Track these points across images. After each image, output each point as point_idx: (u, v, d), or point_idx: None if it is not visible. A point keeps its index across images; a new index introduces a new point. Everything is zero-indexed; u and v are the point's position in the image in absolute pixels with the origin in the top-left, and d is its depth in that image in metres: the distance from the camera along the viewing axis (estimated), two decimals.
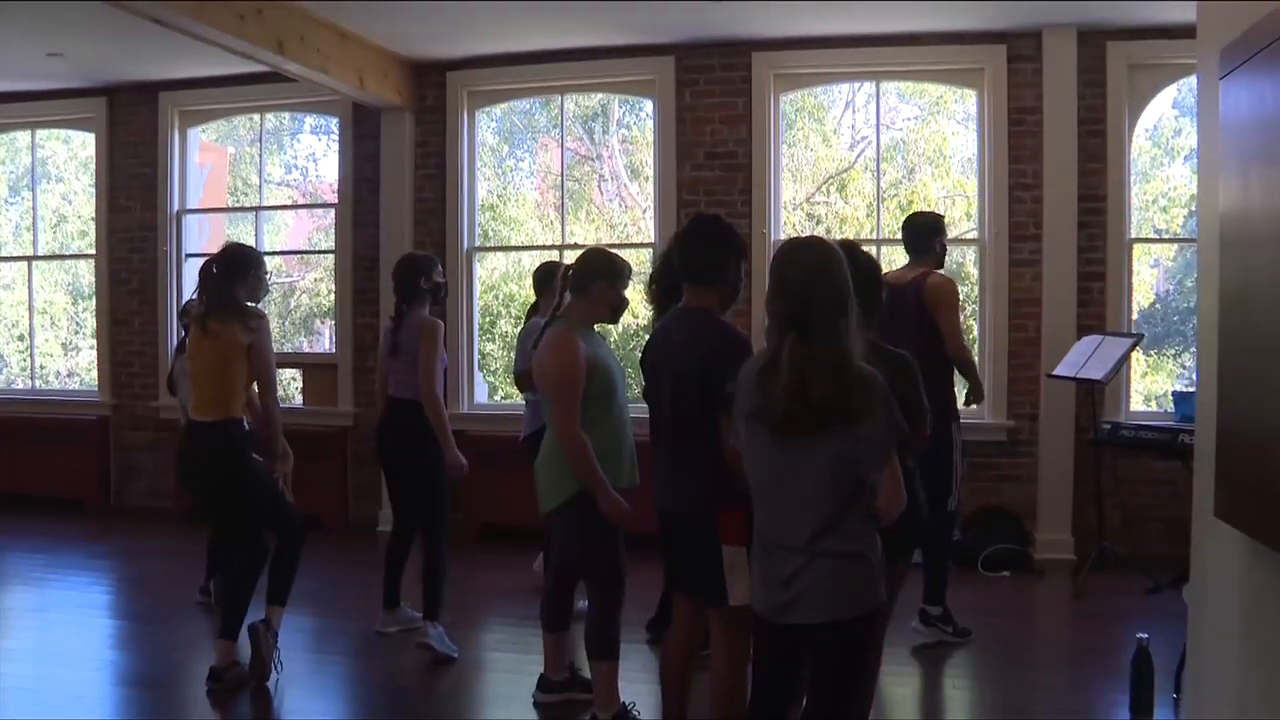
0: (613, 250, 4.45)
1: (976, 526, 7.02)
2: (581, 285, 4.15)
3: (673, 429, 3.60)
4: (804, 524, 2.80)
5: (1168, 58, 7.02)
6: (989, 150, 7.32)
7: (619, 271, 4.20)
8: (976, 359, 7.82)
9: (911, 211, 5.80)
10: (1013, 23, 7.06)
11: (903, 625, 5.48)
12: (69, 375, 12.97)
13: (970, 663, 5.26)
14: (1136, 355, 7.75)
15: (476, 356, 8.38)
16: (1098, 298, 7.15)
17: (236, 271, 4.82)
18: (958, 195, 11.03)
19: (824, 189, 11.94)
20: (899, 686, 5.04)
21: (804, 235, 3.14)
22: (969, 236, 8.64)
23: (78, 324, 13.02)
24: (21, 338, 11.37)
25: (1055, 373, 6.67)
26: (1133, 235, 7.40)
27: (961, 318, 5.45)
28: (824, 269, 2.83)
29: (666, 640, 3.97)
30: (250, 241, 9.02)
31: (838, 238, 4.14)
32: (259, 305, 4.97)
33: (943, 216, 5.88)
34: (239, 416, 4.79)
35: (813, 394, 2.72)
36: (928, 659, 5.28)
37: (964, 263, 10.24)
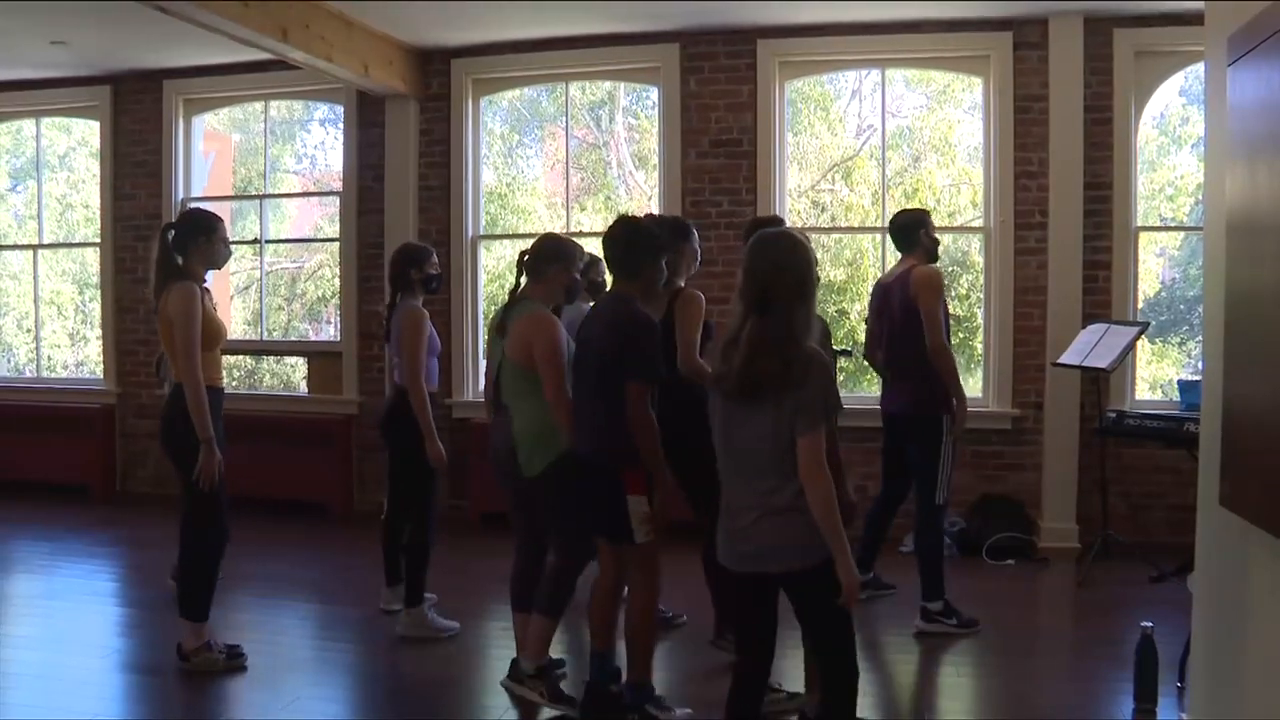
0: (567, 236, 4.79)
1: (981, 515, 7.03)
2: (538, 269, 4.47)
3: (594, 393, 4.08)
4: (754, 483, 3.14)
5: (1175, 45, 6.99)
6: (995, 138, 7.30)
7: (570, 255, 4.57)
8: (981, 347, 7.84)
9: (897, 211, 5.89)
10: (1019, 10, 7.04)
11: (906, 612, 5.50)
12: (78, 365, 12.99)
13: (974, 651, 5.26)
14: (1142, 344, 7.72)
15: (481, 344, 8.37)
16: (1103, 286, 7.14)
17: (190, 237, 4.71)
18: (963, 183, 10.99)
19: (829, 177, 11.90)
20: (902, 675, 5.06)
21: (773, 229, 3.40)
22: (974, 225, 8.62)
23: (85, 313, 13.03)
24: (29, 329, 11.39)
25: (1060, 361, 6.66)
26: (1139, 224, 7.38)
27: (943, 312, 5.39)
28: (787, 260, 3.15)
29: (594, 583, 4.41)
30: (255, 230, 9.03)
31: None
32: (218, 270, 4.95)
33: (927, 211, 5.92)
34: (215, 385, 4.72)
35: (760, 366, 3.06)
36: (930, 647, 5.28)
37: (969, 251, 10.22)
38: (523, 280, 4.52)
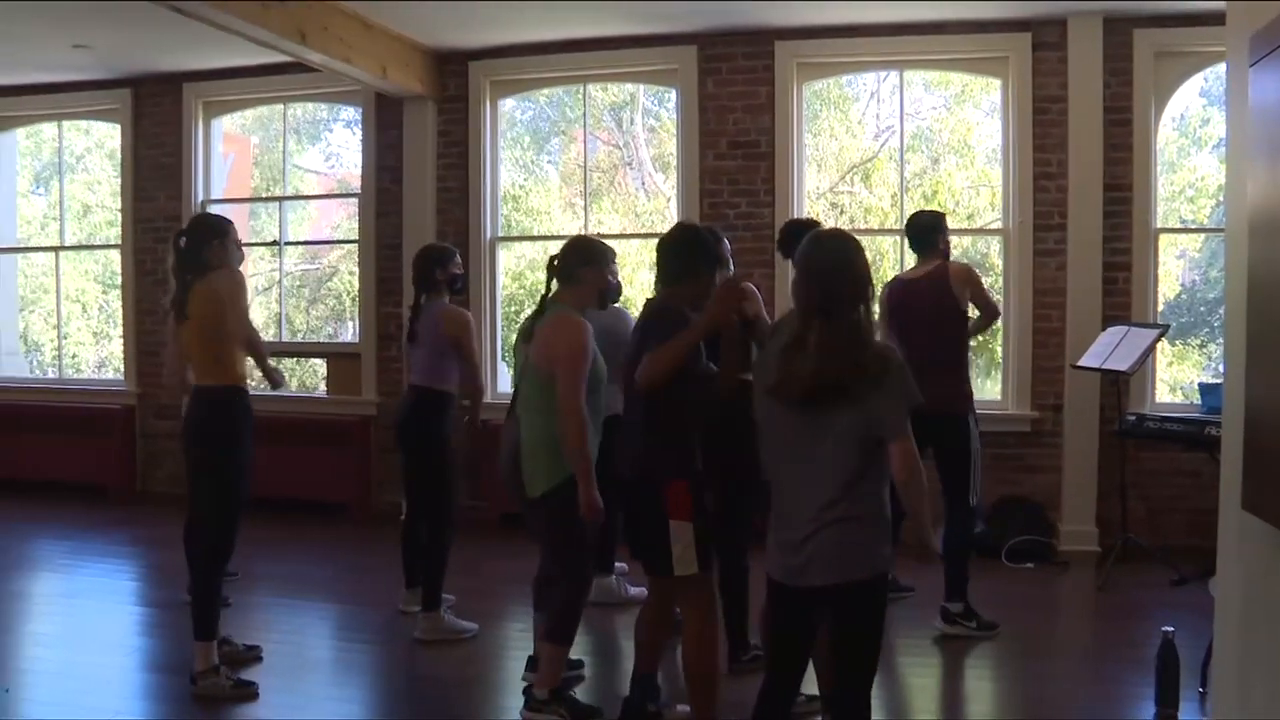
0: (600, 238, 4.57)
1: (1000, 518, 6.99)
2: (570, 273, 4.25)
3: (635, 406, 3.94)
4: (817, 492, 3.01)
5: (1196, 45, 6.96)
6: (1013, 139, 7.27)
7: (604, 256, 4.36)
8: (1001, 349, 7.86)
9: (914, 212, 5.89)
10: (1038, 11, 7.01)
11: (924, 615, 5.48)
12: (101, 365, 13.09)
13: (993, 655, 5.24)
14: (1162, 346, 7.69)
15: (500, 345, 8.39)
16: (1123, 288, 7.10)
17: (203, 241, 4.70)
18: (982, 185, 10.97)
19: (848, 178, 11.89)
20: (920, 678, 5.04)
21: (827, 229, 3.36)
22: (993, 227, 8.60)
23: (108, 313, 13.13)
24: (55, 327, 11.48)
25: (1080, 363, 6.63)
26: (1159, 225, 7.35)
27: None
28: (846, 259, 3.06)
29: (641, 608, 4.29)
30: (274, 231, 9.07)
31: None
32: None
33: (943, 214, 5.92)
34: (234, 384, 4.70)
35: (833, 371, 2.95)
36: (950, 650, 5.26)
37: (988, 253, 10.19)
38: (553, 286, 4.33)
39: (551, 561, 4.40)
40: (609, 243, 4.69)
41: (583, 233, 8.17)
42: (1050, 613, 6.22)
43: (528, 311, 5.09)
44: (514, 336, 5.22)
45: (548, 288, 4.35)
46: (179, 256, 4.73)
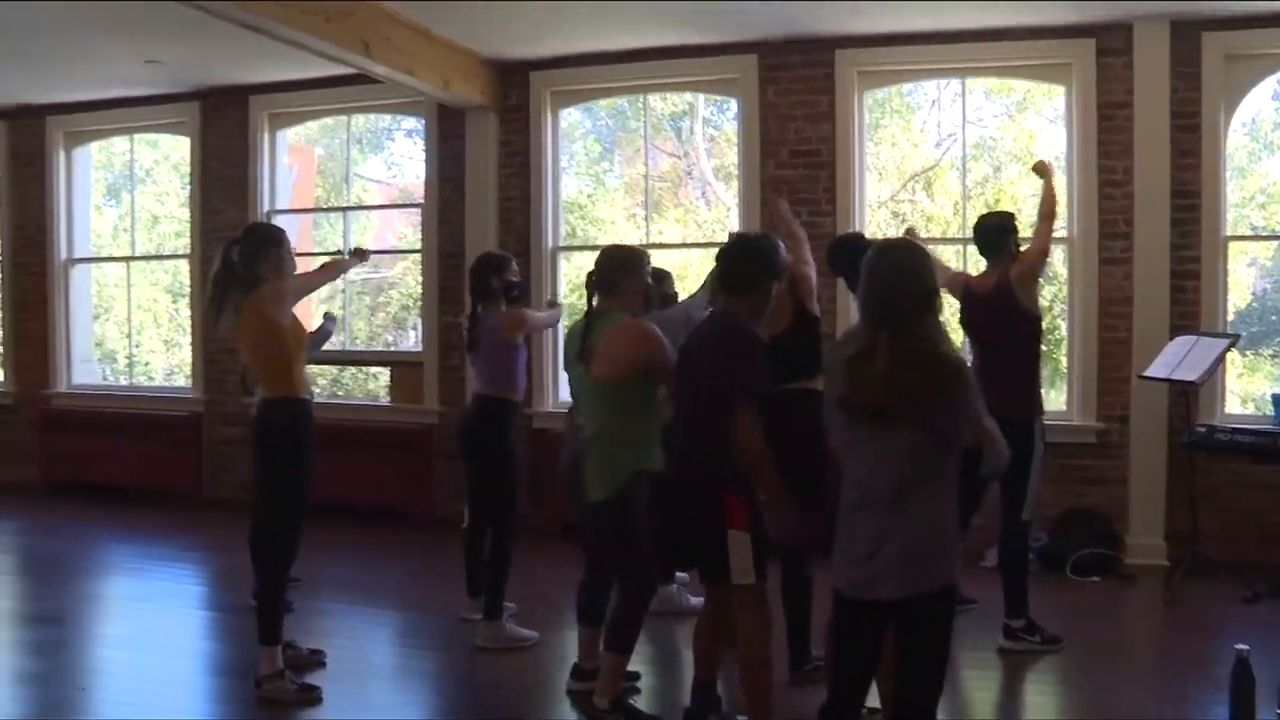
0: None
1: (1064, 529, 6.88)
2: (611, 283, 4.32)
3: (696, 416, 3.94)
4: (884, 504, 2.99)
5: (1267, 48, 6.82)
6: (1077, 147, 7.17)
7: (640, 261, 4.43)
8: (1065, 359, 7.72)
9: (981, 214, 5.78)
10: (1102, 15, 6.90)
11: (987, 627, 5.40)
12: (171, 372, 13.37)
13: (1056, 668, 5.15)
14: (1232, 356, 7.53)
15: (562, 354, 8.42)
16: (1191, 297, 6.96)
17: (260, 248, 4.72)
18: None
19: (909, 187, 11.81)
20: (981, 689, 4.97)
21: (893, 237, 3.35)
22: (1058, 235, 8.46)
23: (178, 322, 13.41)
24: (128, 335, 11.77)
25: (1147, 374, 6.51)
26: (1228, 232, 7.21)
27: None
28: (910, 269, 3.06)
29: (699, 616, 4.31)
30: (338, 241, 9.18)
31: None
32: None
33: (1013, 215, 5.76)
34: (296, 395, 4.74)
35: (904, 382, 2.92)
36: (1012, 663, 5.18)
37: (1052, 262, 10.04)
38: (594, 301, 4.39)
39: (610, 569, 4.42)
40: (670, 253, 4.69)
41: (623, 243, 8.15)
42: (1117, 627, 6.09)
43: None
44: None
45: (589, 303, 4.40)
46: (227, 265, 4.72)
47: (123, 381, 11.93)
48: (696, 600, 5.53)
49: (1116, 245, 7.07)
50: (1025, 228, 10.28)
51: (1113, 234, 7.09)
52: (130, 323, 10.97)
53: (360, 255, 5.60)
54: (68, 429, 9.46)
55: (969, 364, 3.13)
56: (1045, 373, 5.76)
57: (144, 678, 5.00)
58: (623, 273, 4.34)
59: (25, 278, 9.95)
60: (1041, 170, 5.69)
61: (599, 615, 4.62)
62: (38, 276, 9.88)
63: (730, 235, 4.99)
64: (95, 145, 10.52)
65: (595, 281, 4.39)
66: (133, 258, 10.92)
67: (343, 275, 5.13)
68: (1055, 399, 7.90)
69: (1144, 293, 6.95)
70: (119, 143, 10.68)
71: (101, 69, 8.42)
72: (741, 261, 4.03)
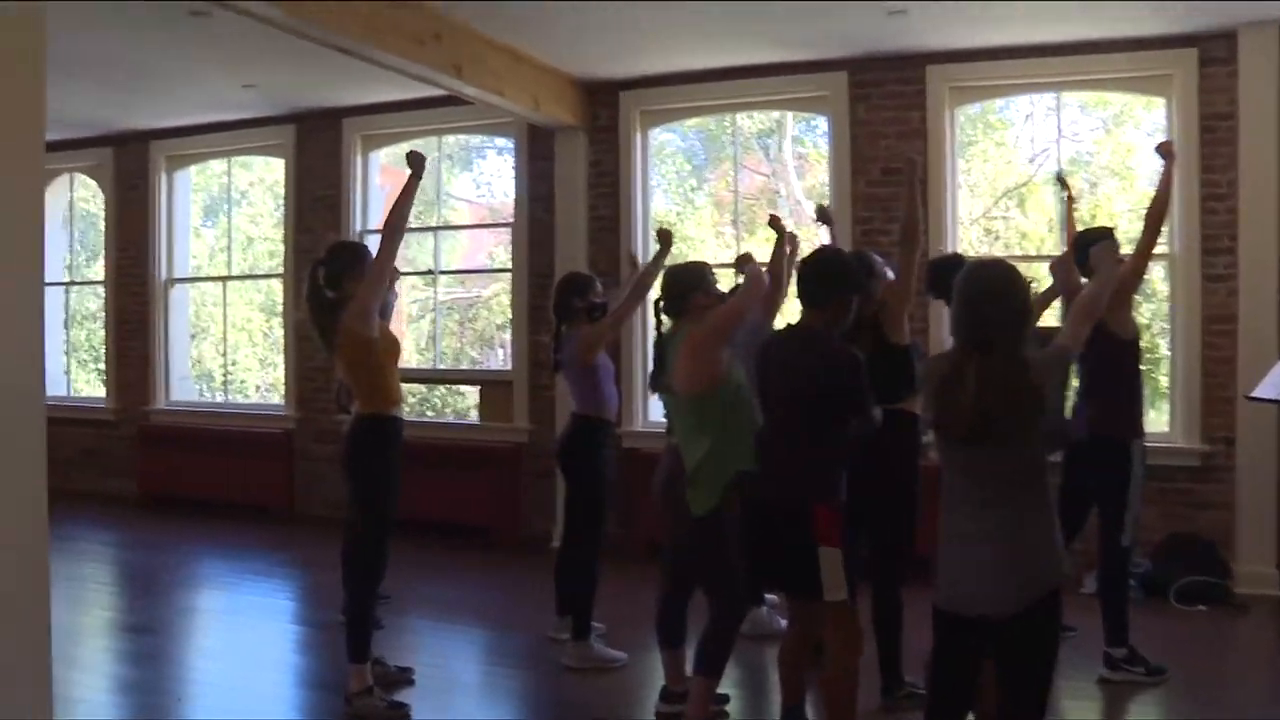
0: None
1: (1167, 556, 6.65)
2: (679, 304, 4.34)
3: (785, 431, 3.95)
4: (987, 521, 3.00)
5: None
6: (1179, 160, 6.95)
7: (704, 276, 4.42)
8: (1167, 379, 7.48)
9: (1080, 229, 5.61)
10: (1205, 24, 6.69)
11: (1087, 656, 5.23)
12: (266, 389, 13.67)
13: (1160, 700, 4.96)
14: None
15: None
16: None
17: (349, 266, 4.79)
18: (1144, 209, 10.54)
19: (1001, 203, 11.60)
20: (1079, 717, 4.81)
21: (986, 256, 3.29)
22: (1158, 251, 8.23)
23: (271, 340, 13.71)
24: (224, 353, 12.06)
25: (1254, 394, 6.24)
26: None
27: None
28: (1004, 290, 3.04)
29: (784, 634, 4.30)
30: (427, 260, 9.26)
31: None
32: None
33: (1111, 229, 5.58)
34: (389, 413, 4.77)
35: (994, 409, 2.92)
36: (1113, 694, 5.00)
37: (1151, 279, 9.77)
38: (663, 323, 4.45)
39: (700, 585, 4.37)
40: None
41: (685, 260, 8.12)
42: (1225, 659, 5.83)
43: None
44: None
45: (659, 329, 4.46)
46: (312, 285, 4.79)
47: (218, 398, 12.22)
48: (786, 623, 5.46)
49: (1220, 261, 6.85)
50: (1123, 245, 10.04)
51: (1216, 250, 6.86)
52: (226, 341, 11.23)
53: (415, 161, 5.25)
54: (166, 444, 9.70)
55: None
56: (1145, 393, 5.58)
57: (236, 689, 5.08)
58: (689, 290, 4.34)
59: (128, 298, 10.25)
60: (1166, 151, 5.47)
61: (680, 637, 4.61)
62: (139, 297, 10.17)
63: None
64: (194, 168, 10.81)
65: (664, 306, 4.42)
66: (229, 277, 11.20)
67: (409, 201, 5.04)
68: (1157, 420, 7.67)
69: (1249, 310, 6.71)
70: (216, 165, 10.95)
71: (202, 94, 8.64)
72: (817, 274, 4.07)
